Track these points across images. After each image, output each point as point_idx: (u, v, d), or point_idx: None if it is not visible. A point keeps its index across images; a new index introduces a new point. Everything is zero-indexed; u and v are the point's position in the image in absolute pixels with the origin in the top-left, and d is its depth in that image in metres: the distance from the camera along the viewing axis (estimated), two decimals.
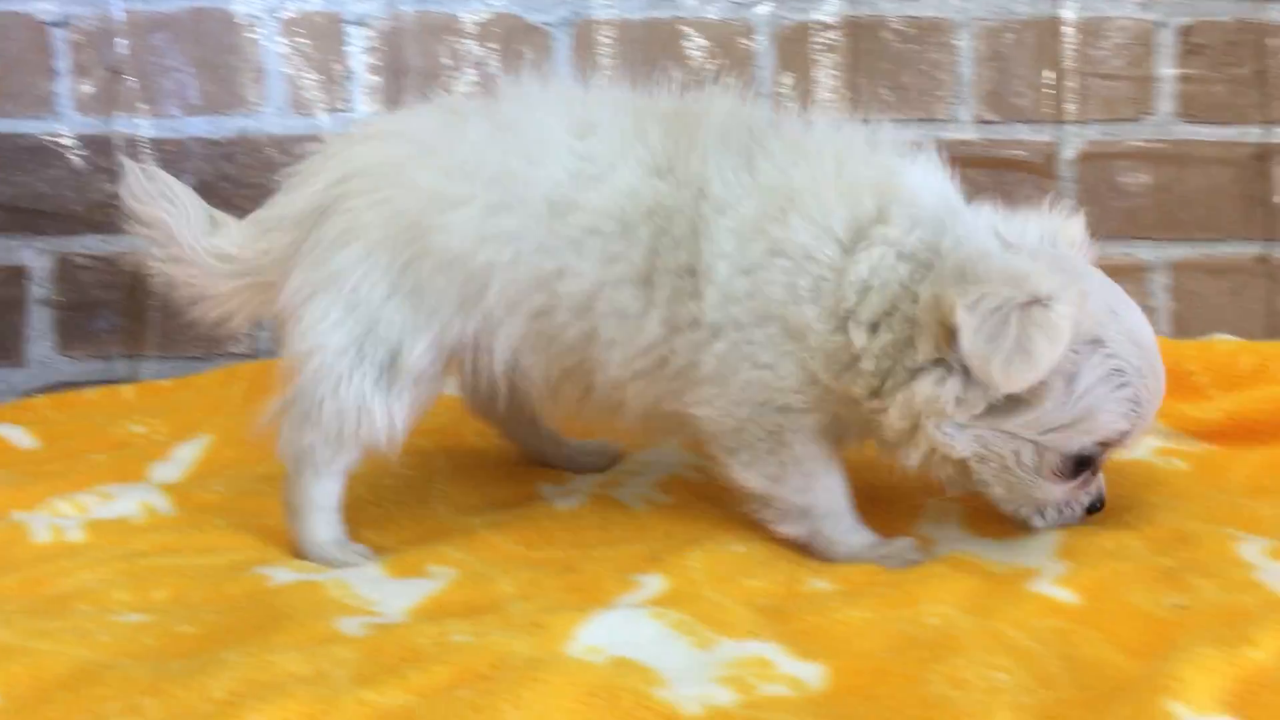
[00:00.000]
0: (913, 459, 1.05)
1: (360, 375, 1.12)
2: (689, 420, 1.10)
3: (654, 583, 1.01)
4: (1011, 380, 0.96)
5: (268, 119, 1.79)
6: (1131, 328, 1.03)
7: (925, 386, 1.00)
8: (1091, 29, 1.81)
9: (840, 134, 1.10)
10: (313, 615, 0.92)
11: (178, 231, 1.20)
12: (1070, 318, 0.95)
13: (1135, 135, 1.82)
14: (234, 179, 1.77)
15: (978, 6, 1.80)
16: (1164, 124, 1.82)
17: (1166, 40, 1.81)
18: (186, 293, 1.22)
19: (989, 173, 1.79)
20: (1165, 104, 1.82)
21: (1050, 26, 1.81)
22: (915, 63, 1.81)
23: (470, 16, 1.81)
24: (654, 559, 1.06)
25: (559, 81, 1.20)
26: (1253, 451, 1.31)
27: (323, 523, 1.14)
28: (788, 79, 1.81)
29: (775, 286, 1.04)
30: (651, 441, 1.36)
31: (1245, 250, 1.84)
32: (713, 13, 1.81)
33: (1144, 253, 1.82)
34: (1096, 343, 1.00)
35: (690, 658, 0.85)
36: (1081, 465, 1.05)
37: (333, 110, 1.80)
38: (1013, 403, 1.00)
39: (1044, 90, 1.82)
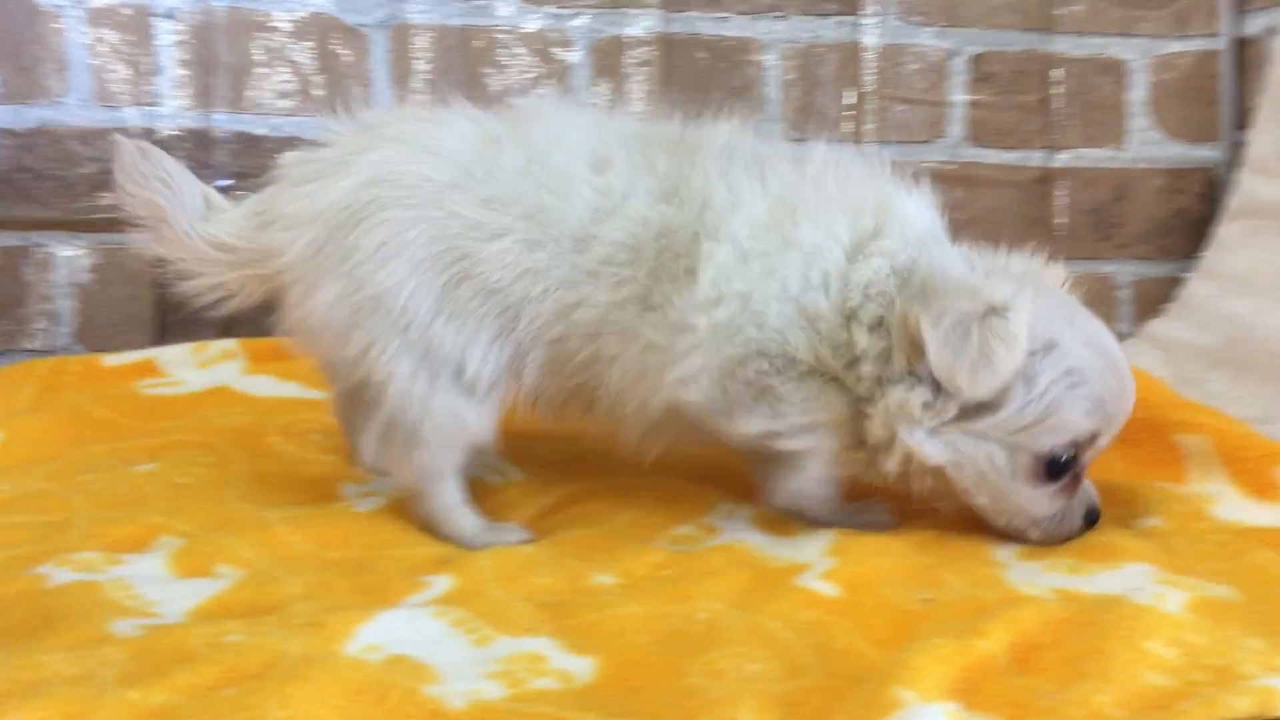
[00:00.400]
0: (891, 467, 1.11)
1: (441, 390, 1.13)
2: (680, 408, 1.13)
3: (442, 582, 1.03)
4: (976, 387, 1.03)
5: (70, 110, 1.74)
6: (1089, 333, 1.09)
7: (898, 393, 1.07)
8: (890, 55, 1.91)
9: (840, 157, 1.16)
10: (88, 616, 0.91)
11: (172, 216, 1.18)
12: (1024, 324, 1.02)
13: (929, 156, 1.92)
14: (34, 170, 1.72)
15: (785, 29, 1.88)
16: (955, 147, 1.93)
17: (959, 68, 1.92)
18: (178, 271, 1.20)
19: None
20: (956, 128, 1.93)
21: (852, 51, 1.90)
22: (725, 80, 1.87)
23: (284, 15, 1.79)
24: (446, 560, 1.08)
25: (574, 106, 1.28)
26: None
27: (465, 518, 1.18)
28: (602, 90, 1.85)
29: (791, 273, 1.09)
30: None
31: None
32: (530, 23, 1.84)
33: None
34: (1051, 345, 1.06)
35: (467, 655, 0.88)
36: (1056, 468, 1.09)
37: (138, 104, 1.76)
38: (979, 407, 1.06)
39: (844, 111, 1.90)
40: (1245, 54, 1.94)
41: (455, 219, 1.12)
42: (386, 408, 1.14)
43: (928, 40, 1.91)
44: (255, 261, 1.18)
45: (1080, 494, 1.12)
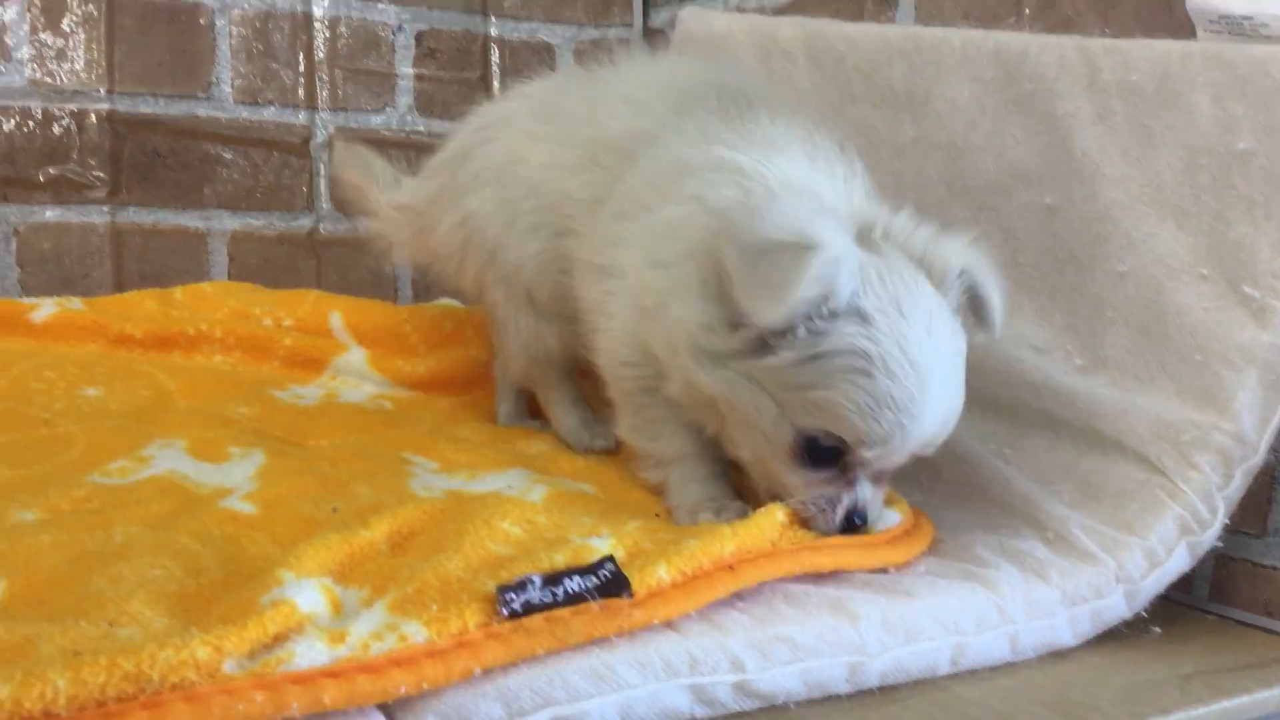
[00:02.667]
0: (672, 388, 1.12)
1: (519, 311, 1.42)
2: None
3: None
4: (758, 307, 0.99)
5: None
6: (911, 337, 1.00)
7: (677, 309, 1.08)
8: (340, 26, 2.02)
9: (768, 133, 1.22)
10: None
11: (369, 192, 1.58)
12: (828, 268, 0.97)
13: (379, 124, 2.06)
14: None
15: None
16: (404, 116, 2.08)
17: (405, 43, 2.07)
18: (383, 245, 1.59)
19: (246, 150, 1.94)
20: (405, 98, 2.08)
21: (304, 21, 1.99)
22: (177, 41, 1.90)
23: None
24: None
25: (643, 59, 1.46)
26: (444, 398, 1.59)
27: (570, 414, 1.46)
28: (44, 48, 1.82)
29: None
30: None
31: None
32: None
33: None
34: (859, 318, 1.00)
35: None
36: (816, 454, 1.04)
37: None
38: (761, 346, 1.02)
39: (299, 79, 2.00)
40: (653, 41, 2.24)
41: (516, 135, 1.40)
42: (495, 322, 1.47)
43: (373, 15, 2.04)
44: (419, 214, 1.50)
45: (850, 496, 1.06)
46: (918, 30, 1.56)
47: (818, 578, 1.03)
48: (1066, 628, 1.06)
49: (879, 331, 0.99)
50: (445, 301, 1.88)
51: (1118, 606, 1.08)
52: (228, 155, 1.93)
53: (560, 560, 0.93)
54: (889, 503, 1.14)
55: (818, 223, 1.01)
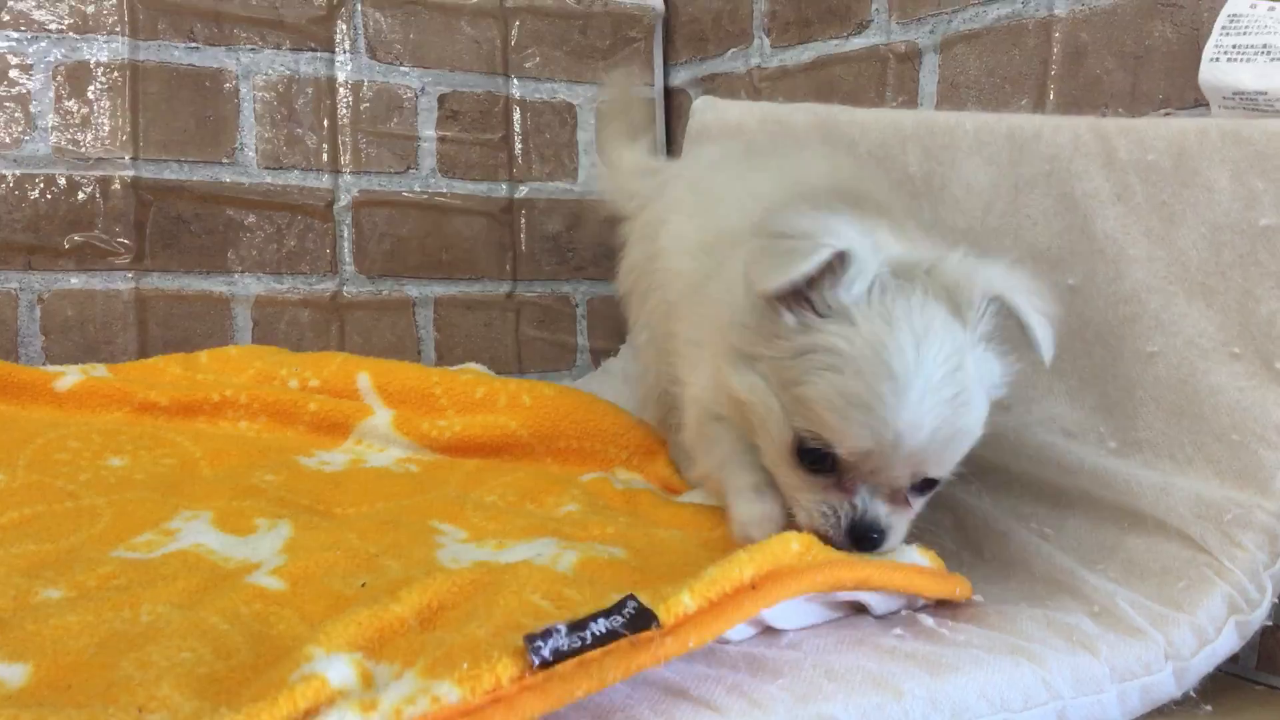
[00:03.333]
0: (720, 405, 1.19)
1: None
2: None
3: None
4: (759, 274, 1.03)
5: None
6: (891, 345, 1.01)
7: (725, 312, 1.15)
8: (363, 91, 2.03)
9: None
10: None
11: (616, 138, 1.77)
12: (825, 255, 1.00)
13: (403, 186, 2.06)
14: None
15: (258, 62, 1.94)
16: (427, 179, 2.09)
17: (428, 105, 2.08)
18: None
19: (270, 214, 1.95)
20: (428, 160, 2.08)
21: (327, 85, 2.00)
22: (201, 108, 1.91)
23: None
24: None
25: (790, 150, 1.54)
26: (470, 461, 1.57)
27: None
28: (68, 116, 1.83)
29: None
30: None
31: (497, 289, 2.15)
32: None
33: (411, 290, 2.06)
34: (845, 319, 1.03)
35: None
36: (808, 457, 1.06)
37: None
38: (769, 335, 1.07)
39: (322, 142, 2.00)
40: (673, 101, 2.25)
41: (669, 199, 1.52)
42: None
43: (396, 79, 2.05)
44: (627, 195, 1.65)
45: (851, 506, 1.06)
46: (930, 115, 1.57)
47: (858, 643, 1.00)
48: (1115, 704, 1.03)
49: (858, 334, 1.02)
50: (474, 366, 1.87)
51: (1167, 684, 1.05)
52: (252, 220, 1.94)
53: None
54: (921, 549, 1.12)
55: (846, 229, 1.04)
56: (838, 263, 1.02)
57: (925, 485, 1.09)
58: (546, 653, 0.84)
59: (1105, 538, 1.20)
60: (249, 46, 1.93)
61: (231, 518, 1.28)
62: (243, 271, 1.94)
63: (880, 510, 1.06)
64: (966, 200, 1.45)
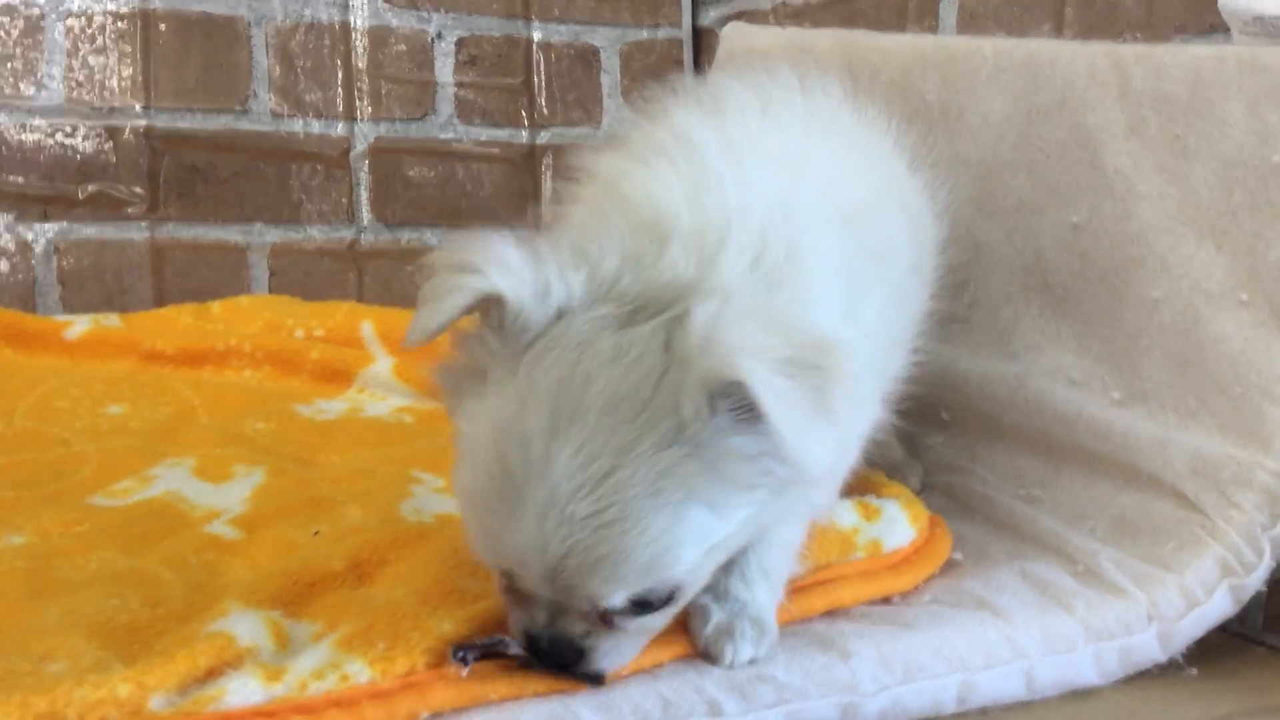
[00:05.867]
0: None
1: None
2: None
3: None
4: (410, 324, 0.80)
5: None
6: (515, 433, 0.75)
7: None
8: (379, 36, 2.00)
9: None
10: None
11: None
12: (461, 300, 0.77)
13: (420, 133, 2.04)
14: None
15: (269, 8, 1.92)
16: (445, 124, 2.06)
17: (445, 50, 2.04)
18: None
19: (285, 163, 1.94)
20: (446, 106, 2.05)
21: (341, 31, 1.98)
22: (213, 56, 1.90)
23: None
24: None
25: None
26: None
27: None
28: (81, 66, 1.83)
29: None
30: None
31: None
32: None
33: (430, 238, 2.04)
34: (480, 379, 0.80)
35: None
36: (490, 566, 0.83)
37: None
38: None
39: (338, 89, 1.98)
40: (702, 41, 2.18)
41: None
42: None
43: (412, 24, 2.02)
44: None
45: (520, 620, 0.82)
46: (951, 40, 1.49)
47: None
48: (1090, 664, 0.98)
49: (484, 407, 0.78)
50: None
51: (1149, 646, 0.99)
52: (267, 168, 1.93)
53: None
54: (901, 503, 1.07)
55: (512, 260, 0.78)
56: (493, 307, 0.78)
57: (645, 606, 0.79)
58: (477, 653, 0.82)
59: (1098, 494, 1.14)
60: None
61: (212, 465, 1.27)
62: (258, 221, 1.93)
63: (571, 630, 0.80)
64: (981, 131, 1.37)
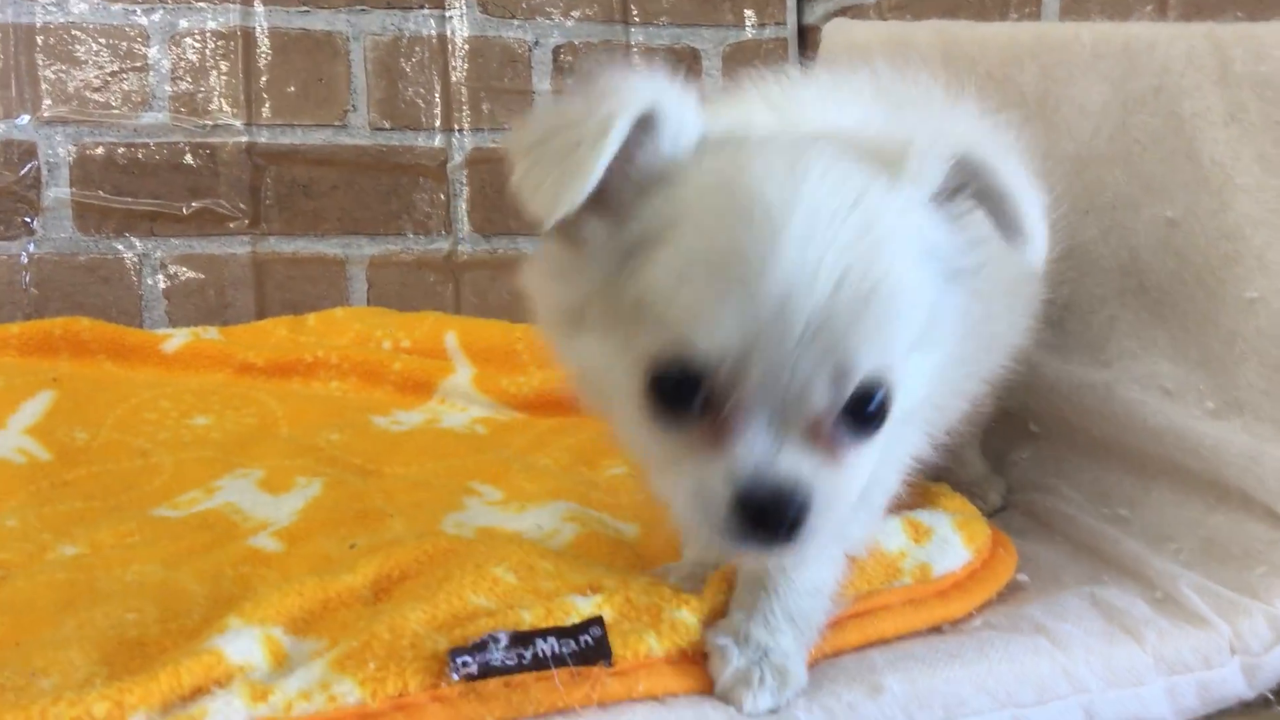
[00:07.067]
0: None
1: None
2: None
3: None
4: (539, 199, 0.70)
5: None
6: (746, 178, 0.68)
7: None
8: (476, 47, 2.00)
9: None
10: None
11: None
12: (618, 130, 0.68)
13: None
14: None
15: (369, 22, 1.94)
16: None
17: (542, 58, 2.03)
18: None
19: (383, 175, 1.95)
20: None
21: (438, 43, 1.98)
22: (313, 72, 1.93)
23: None
24: None
25: None
26: (544, 422, 1.52)
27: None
28: (185, 84, 1.88)
29: None
30: None
31: None
32: (97, 17, 1.84)
33: (526, 247, 2.02)
34: (665, 184, 0.71)
35: None
36: (667, 393, 0.69)
37: None
38: (576, 261, 0.75)
39: (435, 101, 1.98)
40: (807, 38, 2.11)
41: None
42: None
43: (510, 32, 2.01)
44: None
45: (733, 461, 0.68)
46: (1049, 27, 1.41)
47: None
48: (1163, 700, 0.88)
49: (689, 184, 0.70)
50: None
51: (1233, 681, 0.89)
52: (365, 182, 1.94)
53: (528, 619, 0.84)
54: (957, 522, 0.98)
55: (641, 82, 0.71)
56: (640, 132, 0.70)
57: (861, 412, 0.69)
58: (473, 668, 0.78)
59: (1188, 515, 1.04)
60: (359, 7, 1.93)
61: (278, 476, 1.28)
62: (357, 233, 1.95)
63: (786, 461, 0.67)
64: (1077, 123, 1.28)
